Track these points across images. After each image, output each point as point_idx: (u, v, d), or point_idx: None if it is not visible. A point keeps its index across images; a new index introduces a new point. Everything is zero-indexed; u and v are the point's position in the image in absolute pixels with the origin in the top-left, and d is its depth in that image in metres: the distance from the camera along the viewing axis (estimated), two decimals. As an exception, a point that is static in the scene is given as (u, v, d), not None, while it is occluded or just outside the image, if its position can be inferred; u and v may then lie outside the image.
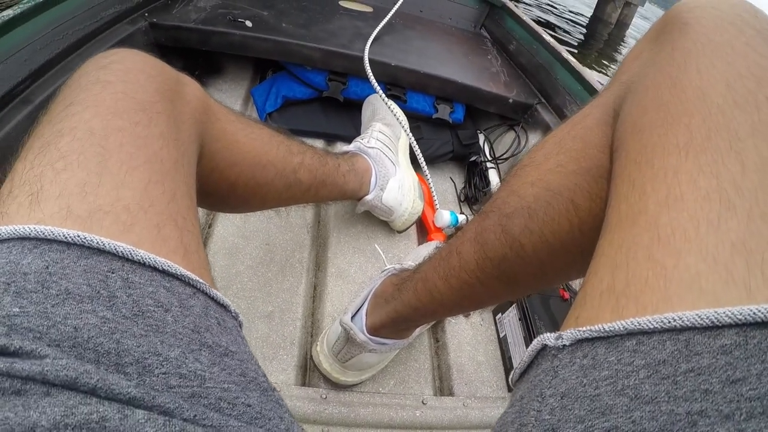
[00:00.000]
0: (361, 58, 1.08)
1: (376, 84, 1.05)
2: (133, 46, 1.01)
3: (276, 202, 0.73)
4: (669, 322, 0.23)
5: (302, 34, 1.13)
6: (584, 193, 0.43)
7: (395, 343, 0.72)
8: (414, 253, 0.92)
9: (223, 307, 0.36)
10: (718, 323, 0.22)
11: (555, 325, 0.85)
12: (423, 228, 1.07)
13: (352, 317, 0.71)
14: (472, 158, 1.23)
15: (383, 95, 1.05)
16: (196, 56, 1.24)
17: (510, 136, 1.25)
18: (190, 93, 0.48)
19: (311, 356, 0.80)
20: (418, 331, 0.79)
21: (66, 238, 0.28)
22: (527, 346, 0.85)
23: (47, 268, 0.27)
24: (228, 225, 0.93)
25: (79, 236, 0.29)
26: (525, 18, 1.46)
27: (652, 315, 0.24)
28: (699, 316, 0.22)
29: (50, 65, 0.82)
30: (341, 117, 1.18)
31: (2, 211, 0.30)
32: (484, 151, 1.23)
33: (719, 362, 0.21)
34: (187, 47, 1.11)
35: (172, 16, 1.11)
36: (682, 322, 0.22)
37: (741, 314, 0.21)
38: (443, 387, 0.86)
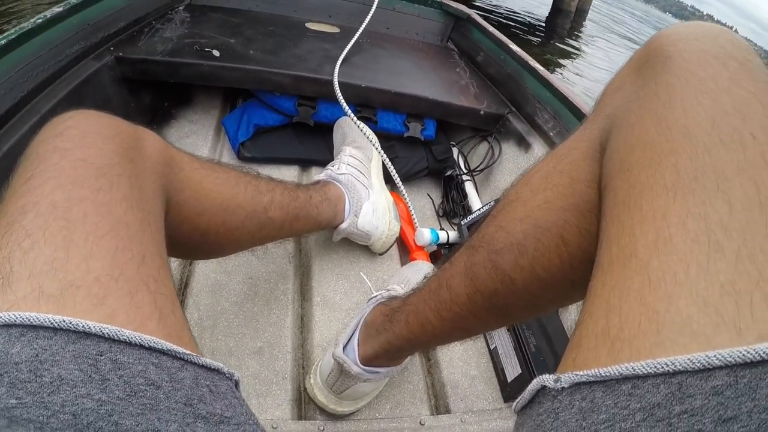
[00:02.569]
0: (330, 82, 1.08)
1: (346, 107, 1.05)
2: (100, 82, 1.01)
3: (250, 243, 0.73)
4: (662, 366, 0.23)
5: (271, 61, 1.12)
6: (573, 228, 0.44)
7: (389, 370, 0.72)
8: (398, 275, 0.92)
9: (215, 370, 0.36)
10: (709, 366, 0.22)
11: (544, 334, 0.86)
12: (405, 247, 1.07)
13: (344, 348, 0.71)
14: (448, 172, 1.24)
15: (354, 117, 1.06)
16: (165, 88, 1.23)
17: (483, 147, 1.27)
18: (149, 147, 0.48)
19: (305, 389, 0.79)
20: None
21: (52, 323, 0.28)
22: (518, 356, 0.86)
23: (37, 356, 0.27)
24: (209, 262, 0.92)
25: (64, 321, 0.28)
26: (490, 28, 1.47)
27: (646, 359, 0.24)
28: (691, 360, 0.23)
29: (16, 109, 0.79)
30: (315, 141, 1.18)
31: None
32: (458, 164, 1.24)
33: (711, 403, 0.22)
34: (156, 80, 1.10)
35: (139, 48, 1.09)
36: (675, 366, 0.23)
37: (731, 356, 0.22)
38: (439, 405, 0.86)
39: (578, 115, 1.09)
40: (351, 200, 0.92)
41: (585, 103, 1.09)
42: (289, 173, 1.16)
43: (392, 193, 1.06)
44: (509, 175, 1.18)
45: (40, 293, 0.30)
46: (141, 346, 0.30)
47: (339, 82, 1.08)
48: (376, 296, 0.78)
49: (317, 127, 1.16)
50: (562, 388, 0.28)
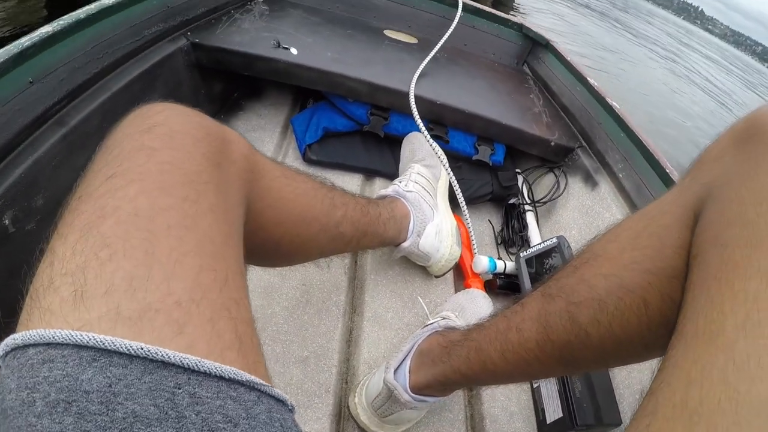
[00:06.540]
0: (407, 94, 1.07)
1: (420, 123, 1.03)
2: (173, 65, 1.01)
3: (318, 255, 0.72)
4: None
5: (347, 65, 1.11)
6: (657, 292, 0.44)
7: (437, 399, 0.71)
8: (452, 302, 0.90)
9: (282, 402, 0.34)
10: None
11: (588, 382, 0.83)
12: (460, 271, 1.05)
13: (394, 372, 0.69)
14: (511, 200, 1.21)
15: (428, 135, 1.04)
16: (236, 79, 1.23)
17: (549, 178, 1.23)
18: (236, 152, 0.46)
19: (347, 406, 0.78)
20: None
21: (129, 350, 0.26)
22: (561, 399, 0.84)
23: (111, 386, 0.25)
24: (266, 263, 0.91)
25: (142, 348, 0.26)
26: (569, 57, 1.44)
27: None
28: None
29: (87, 85, 0.80)
30: (382, 152, 1.16)
31: (44, 306, 0.28)
32: (522, 193, 1.21)
33: None
34: (229, 70, 1.10)
35: (216, 36, 1.09)
36: None
37: None
38: (476, 439, 0.84)
39: (650, 159, 1.05)
40: (415, 219, 0.90)
41: (660, 149, 1.06)
42: (352, 181, 1.15)
43: (454, 215, 1.03)
44: (572, 212, 1.14)
45: (117, 314, 0.27)
46: (221, 378, 0.29)
47: (415, 96, 1.07)
48: (432, 323, 0.77)
49: (386, 138, 1.15)
50: None
